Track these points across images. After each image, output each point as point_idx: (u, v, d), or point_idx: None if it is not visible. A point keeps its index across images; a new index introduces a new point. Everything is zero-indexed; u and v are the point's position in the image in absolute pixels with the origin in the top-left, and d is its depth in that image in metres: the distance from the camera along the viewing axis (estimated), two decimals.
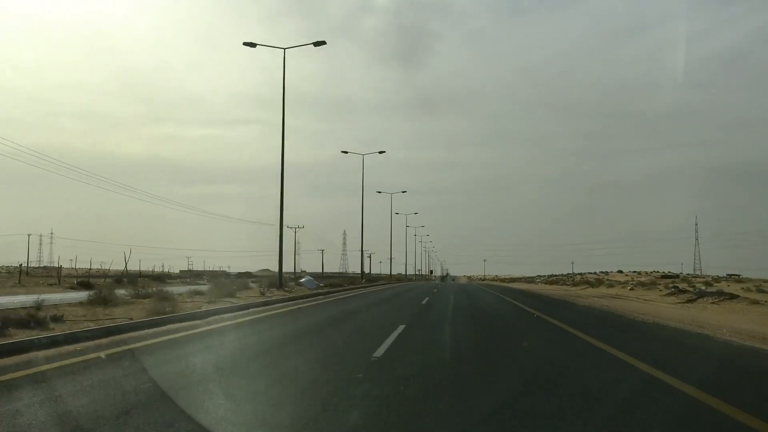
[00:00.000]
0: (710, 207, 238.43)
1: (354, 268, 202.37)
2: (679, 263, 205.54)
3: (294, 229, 71.03)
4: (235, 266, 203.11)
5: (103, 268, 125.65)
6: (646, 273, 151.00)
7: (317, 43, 31.12)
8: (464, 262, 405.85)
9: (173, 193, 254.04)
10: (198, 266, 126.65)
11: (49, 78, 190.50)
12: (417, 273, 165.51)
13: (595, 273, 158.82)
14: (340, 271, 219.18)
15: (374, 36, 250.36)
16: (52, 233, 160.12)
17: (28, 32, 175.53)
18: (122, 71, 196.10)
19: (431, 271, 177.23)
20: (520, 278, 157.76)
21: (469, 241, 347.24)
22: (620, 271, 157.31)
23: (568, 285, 63.12)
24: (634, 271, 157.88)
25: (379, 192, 76.93)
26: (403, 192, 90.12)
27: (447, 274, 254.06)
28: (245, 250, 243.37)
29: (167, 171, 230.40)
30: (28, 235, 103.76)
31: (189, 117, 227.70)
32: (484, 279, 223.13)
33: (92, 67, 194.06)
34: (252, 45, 30.08)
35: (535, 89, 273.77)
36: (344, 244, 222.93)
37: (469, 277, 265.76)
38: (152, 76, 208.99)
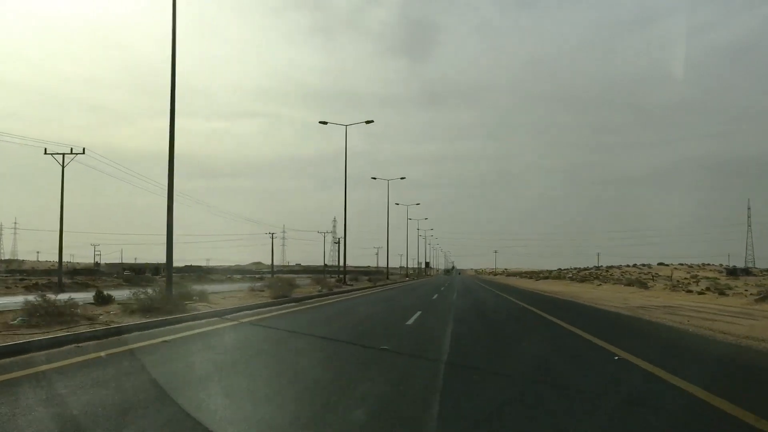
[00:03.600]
0: (718, 199, 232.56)
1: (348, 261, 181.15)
2: (725, 254, 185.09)
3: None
4: (217, 258, 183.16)
5: (73, 261, 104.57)
6: (698, 266, 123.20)
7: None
8: (473, 254, 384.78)
9: (178, 187, 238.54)
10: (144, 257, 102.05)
11: (56, 73, 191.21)
12: (418, 266, 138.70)
13: (635, 266, 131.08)
14: (331, 264, 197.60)
15: (381, 29, 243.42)
16: (15, 224, 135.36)
17: (35, 28, 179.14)
18: (129, 65, 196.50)
19: (427, 264, 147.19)
20: (541, 273, 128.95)
21: (478, 234, 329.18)
22: (662, 264, 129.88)
23: (681, 291, 34.86)
24: (682, 264, 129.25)
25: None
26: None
27: (453, 267, 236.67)
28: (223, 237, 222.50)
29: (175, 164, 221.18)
30: None
31: (195, 110, 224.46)
32: (495, 273, 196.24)
33: (99, 61, 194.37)
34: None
35: (543, 82, 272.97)
36: (334, 233, 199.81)
37: (476, 271, 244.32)
38: (159, 70, 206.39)
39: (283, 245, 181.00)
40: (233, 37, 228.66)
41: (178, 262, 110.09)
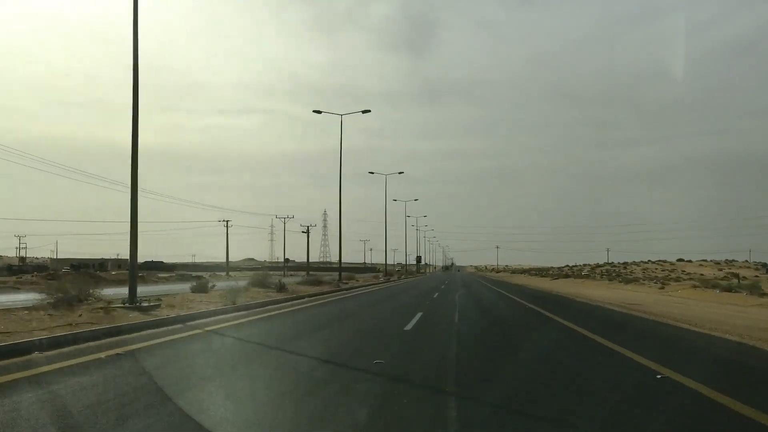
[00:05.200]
0: (722, 197, 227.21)
1: (338, 256, 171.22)
2: (739, 250, 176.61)
3: None
4: (205, 254, 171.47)
5: (31, 256, 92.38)
6: (725, 262, 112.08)
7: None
8: (472, 251, 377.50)
9: (176, 182, 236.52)
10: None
11: (56, 68, 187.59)
12: (405, 263, 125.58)
13: (650, 262, 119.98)
14: (321, 260, 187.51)
15: (381, 24, 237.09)
16: None
17: (35, 25, 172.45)
18: (128, 61, 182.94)
19: (419, 258, 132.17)
20: (549, 270, 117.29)
21: (477, 231, 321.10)
22: (681, 260, 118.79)
23: None
24: (705, 260, 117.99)
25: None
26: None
27: (452, 264, 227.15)
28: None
29: (173, 160, 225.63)
30: None
31: (196, 106, 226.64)
32: (497, 270, 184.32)
33: (99, 56, 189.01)
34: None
35: (544, 78, 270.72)
36: (325, 227, 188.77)
37: (476, 268, 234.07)
38: (159, 66, 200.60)
39: (272, 240, 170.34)
40: (233, 32, 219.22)
41: (156, 257, 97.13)
